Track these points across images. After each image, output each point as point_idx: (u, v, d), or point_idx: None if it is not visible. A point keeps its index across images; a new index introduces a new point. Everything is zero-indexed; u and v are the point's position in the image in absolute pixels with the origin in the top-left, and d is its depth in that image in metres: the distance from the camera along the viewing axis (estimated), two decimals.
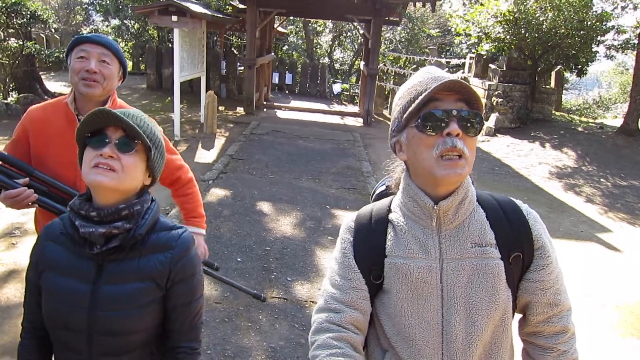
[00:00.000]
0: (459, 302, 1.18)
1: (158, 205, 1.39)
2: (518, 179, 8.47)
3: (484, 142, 10.67)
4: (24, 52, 9.78)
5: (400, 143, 1.23)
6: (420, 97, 1.14)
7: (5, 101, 9.53)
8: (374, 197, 1.49)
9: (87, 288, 1.28)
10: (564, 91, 17.69)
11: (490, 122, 11.29)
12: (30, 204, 1.73)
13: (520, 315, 1.30)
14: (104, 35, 2.00)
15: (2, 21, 9.75)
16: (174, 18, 8.47)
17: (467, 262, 1.18)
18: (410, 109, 1.17)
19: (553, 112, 12.30)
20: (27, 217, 4.91)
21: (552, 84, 13.38)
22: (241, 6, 12.57)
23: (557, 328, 1.24)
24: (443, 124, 1.13)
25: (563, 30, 10.08)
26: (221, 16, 10.75)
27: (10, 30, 10.04)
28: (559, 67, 12.60)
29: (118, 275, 1.30)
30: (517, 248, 1.21)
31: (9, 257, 4.24)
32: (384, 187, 1.46)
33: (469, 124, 1.14)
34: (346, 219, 1.35)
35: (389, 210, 1.29)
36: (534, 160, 9.45)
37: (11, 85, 10.32)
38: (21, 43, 9.71)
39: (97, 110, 1.22)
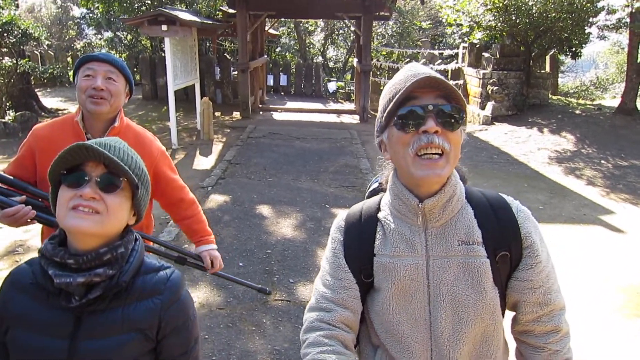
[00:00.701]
0: (445, 299, 1.18)
1: (143, 243, 1.25)
2: (517, 165, 8.45)
3: (481, 131, 10.65)
4: (18, 71, 9.84)
5: (384, 143, 1.23)
6: (397, 96, 1.13)
7: (3, 120, 9.57)
8: (367, 193, 1.48)
9: (64, 345, 1.11)
10: (560, 74, 17.64)
11: (487, 111, 11.27)
12: (29, 220, 1.71)
13: (513, 313, 1.29)
14: (109, 53, 2.01)
15: None
16: (164, 27, 8.49)
17: (453, 260, 1.18)
18: (388, 108, 1.16)
19: (550, 96, 12.27)
20: (29, 234, 4.94)
21: (547, 68, 13.33)
22: (231, 11, 12.57)
23: (547, 327, 1.22)
24: (420, 121, 1.12)
25: (554, 14, 10.04)
26: (211, 22, 10.76)
27: (4, 50, 10.08)
28: (552, 51, 12.56)
29: (100, 328, 1.12)
30: (504, 247, 1.19)
31: None
32: (377, 184, 1.45)
33: (450, 119, 1.12)
34: (337, 218, 1.35)
35: (378, 209, 1.29)
36: (532, 146, 9.43)
37: (7, 104, 10.37)
38: (15, 61, 9.75)
39: (75, 145, 1.08)
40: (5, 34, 9.49)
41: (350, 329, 1.24)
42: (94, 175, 1.10)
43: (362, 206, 1.33)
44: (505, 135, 10.20)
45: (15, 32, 9.50)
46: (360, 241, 1.26)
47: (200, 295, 3.94)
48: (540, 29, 10.66)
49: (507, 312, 1.30)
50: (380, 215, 1.27)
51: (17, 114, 9.93)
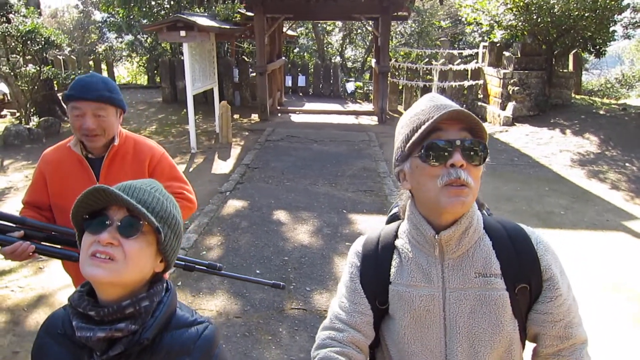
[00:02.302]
0: (462, 332, 1.18)
1: (174, 294, 1.15)
2: (538, 168, 8.30)
3: (502, 132, 10.49)
4: (41, 77, 10.04)
5: (404, 172, 1.23)
6: (424, 127, 1.14)
7: (27, 126, 9.78)
8: (388, 218, 1.49)
9: None
10: (584, 72, 17.26)
11: (508, 111, 11.09)
12: (30, 254, 1.70)
13: (535, 345, 1.28)
14: (94, 84, 1.94)
15: (18, 49, 10.04)
16: (182, 33, 8.56)
17: (470, 292, 1.18)
18: (413, 138, 1.16)
19: (573, 96, 12.01)
20: None
21: (570, 67, 13.06)
22: (249, 14, 12.63)
23: None
24: (447, 154, 1.12)
25: (576, 13, 9.82)
26: (228, 27, 10.81)
27: (28, 57, 10.32)
28: (576, 49, 12.29)
29: None
30: (524, 279, 1.18)
31: (37, 281, 4.36)
32: (397, 209, 1.45)
33: (472, 154, 1.13)
34: (355, 243, 1.36)
35: (396, 236, 1.30)
36: (554, 148, 9.25)
37: (32, 110, 10.59)
38: (38, 68, 9.96)
39: (93, 189, 1.01)
40: (29, 42, 9.71)
41: (360, 350, 1.25)
42: (115, 219, 1.03)
43: (380, 233, 1.34)
44: (527, 137, 10.03)
45: (39, 40, 9.70)
46: (376, 268, 1.27)
47: (217, 303, 3.97)
48: (562, 28, 10.44)
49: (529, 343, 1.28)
50: (397, 243, 1.28)
51: (41, 119, 10.15)
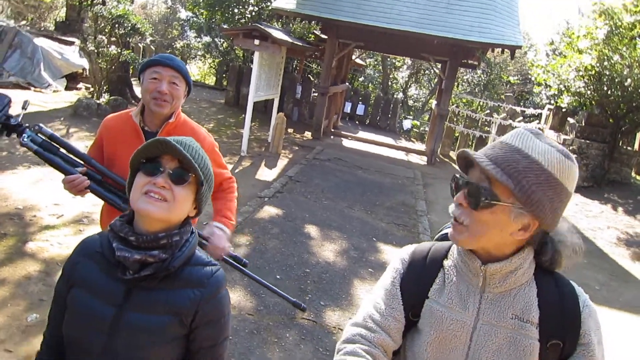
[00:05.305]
0: None
1: (197, 237, 1.38)
2: (582, 240, 8.01)
3: None
4: (120, 59, 10.73)
5: None
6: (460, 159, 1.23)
7: (98, 101, 10.43)
8: (437, 236, 1.49)
9: (111, 312, 1.25)
10: None
11: None
12: (84, 189, 1.94)
13: None
14: (175, 58, 2.19)
15: (107, 30, 10.80)
16: (257, 42, 8.97)
17: (501, 330, 1.18)
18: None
19: (633, 175, 11.58)
20: (96, 207, 5.34)
21: (636, 146, 12.62)
22: (323, 36, 13.04)
23: None
24: (457, 191, 1.18)
25: None
26: (301, 44, 11.22)
27: (112, 39, 11.07)
28: None
29: (145, 304, 1.26)
30: (559, 336, 1.17)
31: (75, 241, 4.56)
32: (449, 231, 1.48)
33: (474, 198, 1.14)
34: (403, 250, 1.38)
35: (446, 256, 1.31)
36: (602, 223, 8.93)
37: (105, 87, 11.30)
38: (119, 50, 10.67)
39: (156, 139, 1.24)
40: (117, 25, 10.45)
41: (387, 354, 1.26)
42: (167, 167, 1.25)
43: (431, 247, 1.35)
44: (576, 207, 9.73)
45: (126, 25, 10.42)
46: (418, 280, 1.29)
47: (233, 297, 4.08)
48: (633, 105, 10.17)
49: None
50: (445, 263, 1.29)
51: (111, 98, 10.80)
